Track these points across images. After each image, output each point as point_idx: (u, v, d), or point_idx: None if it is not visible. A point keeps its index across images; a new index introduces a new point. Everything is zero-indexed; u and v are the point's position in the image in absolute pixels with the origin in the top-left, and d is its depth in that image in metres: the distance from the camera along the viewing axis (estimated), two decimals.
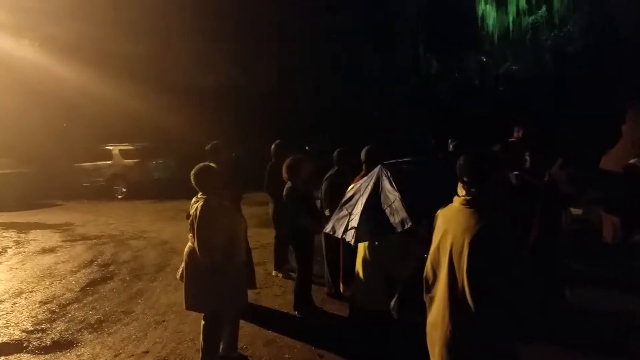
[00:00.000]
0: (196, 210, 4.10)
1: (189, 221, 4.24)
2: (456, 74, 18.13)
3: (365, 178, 3.43)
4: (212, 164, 4.65)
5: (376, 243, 3.28)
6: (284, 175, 5.63)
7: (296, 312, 5.73)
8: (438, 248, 2.71)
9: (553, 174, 6.36)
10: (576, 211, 8.17)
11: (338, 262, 4.83)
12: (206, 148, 6.27)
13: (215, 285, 4.15)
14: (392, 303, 3.06)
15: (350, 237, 3.15)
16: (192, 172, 4.24)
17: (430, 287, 2.77)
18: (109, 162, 16.80)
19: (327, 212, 5.67)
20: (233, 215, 4.37)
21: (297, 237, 5.65)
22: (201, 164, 4.35)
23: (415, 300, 2.91)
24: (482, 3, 17.59)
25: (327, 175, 5.98)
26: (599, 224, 7.51)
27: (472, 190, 2.62)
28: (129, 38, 18.18)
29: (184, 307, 4.48)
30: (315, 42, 18.18)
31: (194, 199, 4.30)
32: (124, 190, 16.61)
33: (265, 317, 5.67)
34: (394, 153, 4.67)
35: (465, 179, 2.66)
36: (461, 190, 2.69)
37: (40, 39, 19.78)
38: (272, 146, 7.15)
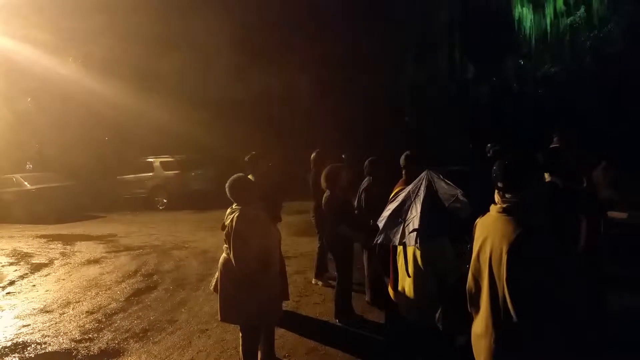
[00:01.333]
0: (231, 221, 4.10)
1: (224, 232, 4.27)
2: (494, 78, 17.86)
3: (411, 185, 3.42)
4: (249, 175, 4.67)
5: (430, 251, 3.25)
6: (323, 184, 5.65)
7: (337, 321, 5.73)
8: (478, 258, 2.65)
9: (594, 177, 6.20)
10: (621, 215, 7.92)
11: (379, 270, 4.84)
12: (245, 159, 6.31)
13: (250, 296, 4.13)
14: (437, 315, 3.03)
15: (412, 240, 3.15)
16: (227, 184, 4.25)
17: (474, 298, 2.71)
18: (151, 174, 17.27)
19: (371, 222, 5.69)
20: (268, 227, 4.35)
21: (336, 246, 5.67)
22: (236, 175, 4.35)
23: (460, 312, 2.87)
24: (519, 6, 17.30)
25: (363, 187, 5.97)
26: None
27: (507, 196, 2.54)
28: (165, 54, 18.62)
29: None
30: (353, 49, 18.25)
31: (229, 210, 4.31)
32: (165, 201, 17.00)
33: (306, 326, 5.71)
34: (431, 159, 4.65)
35: (499, 184, 2.58)
36: (497, 197, 2.62)
37: (80, 56, 20.51)
38: (312, 155, 7.18)
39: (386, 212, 3.49)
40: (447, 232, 3.17)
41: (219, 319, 4.46)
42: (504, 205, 2.53)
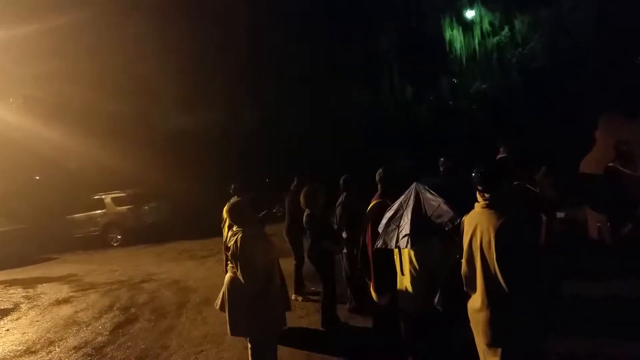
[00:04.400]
0: (236, 242, 4.49)
1: (229, 252, 4.64)
2: (431, 97, 18.99)
3: (402, 196, 3.96)
4: (241, 199, 5.01)
5: (422, 249, 3.80)
6: (302, 203, 6.12)
7: (324, 329, 6.14)
8: (470, 246, 3.29)
9: (538, 181, 7.02)
10: (560, 214, 8.80)
11: (359, 279, 5.35)
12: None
13: (258, 309, 4.49)
14: (436, 299, 3.57)
15: (404, 243, 3.68)
16: (226, 208, 4.72)
17: (469, 280, 3.33)
18: (102, 210, 17.04)
19: (344, 235, 6.19)
20: (268, 244, 4.75)
21: (319, 259, 6.12)
22: (233, 200, 4.82)
23: (455, 295, 3.47)
24: (449, 29, 18.60)
25: (339, 202, 6.52)
26: (584, 224, 8.17)
27: (486, 195, 3.24)
28: (108, 94, 18.66)
29: (218, 336, 4.85)
30: (296, 80, 18.94)
31: (230, 232, 4.74)
32: (119, 237, 16.80)
33: (296, 338, 6.01)
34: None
35: (480, 187, 3.28)
36: (479, 197, 3.31)
37: (20, 99, 20.17)
38: (295, 179, 7.70)
39: (383, 220, 4.01)
40: (433, 235, 3.70)
41: (229, 334, 4.75)
42: (486, 202, 3.23)
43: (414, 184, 3.93)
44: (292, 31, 18.87)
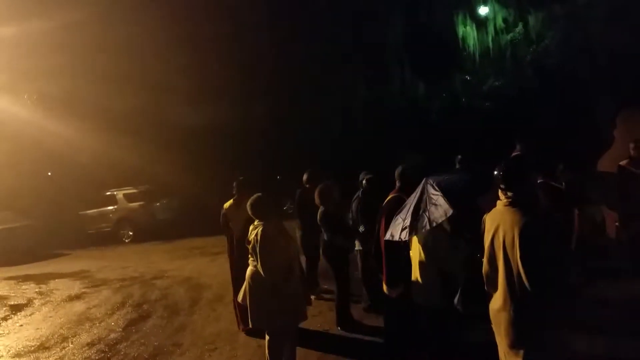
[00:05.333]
0: (256, 235, 4.58)
1: (249, 246, 4.70)
2: (444, 94, 18.84)
3: (414, 193, 4.06)
4: (263, 194, 4.92)
5: (430, 243, 3.89)
6: (317, 200, 6.06)
7: (339, 328, 6.08)
8: (492, 245, 3.21)
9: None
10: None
11: (375, 275, 5.31)
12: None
13: (278, 302, 4.56)
14: (456, 299, 3.52)
15: (405, 235, 3.81)
16: (248, 203, 4.74)
17: (490, 279, 3.25)
18: (114, 207, 17.13)
19: (361, 229, 6.15)
20: (288, 238, 4.82)
21: (333, 256, 6.06)
22: (255, 195, 4.81)
23: (475, 295, 3.42)
24: (462, 25, 18.43)
25: (355, 197, 6.48)
26: (602, 222, 8.06)
27: (509, 194, 3.14)
28: (122, 91, 18.69)
29: (231, 334, 4.86)
30: (307, 77, 18.87)
31: (251, 227, 4.78)
32: (130, 233, 16.87)
33: (310, 338, 5.93)
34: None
35: (502, 186, 3.19)
36: (502, 195, 3.21)
37: (34, 94, 20.27)
38: (304, 175, 7.58)
39: (396, 215, 4.12)
40: (431, 225, 3.73)
41: (250, 326, 4.85)
42: (509, 200, 3.13)
43: (424, 179, 4.02)
44: (303, 27, 18.79)
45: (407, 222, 3.85)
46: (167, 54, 18.89)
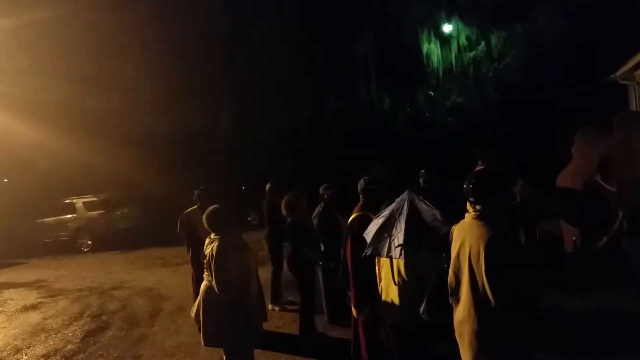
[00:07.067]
0: (212, 250, 4.39)
1: (205, 261, 4.52)
2: (408, 108, 19.14)
3: (394, 204, 3.92)
4: (220, 206, 4.81)
5: (413, 260, 3.76)
6: (283, 211, 6.06)
7: (301, 337, 6.08)
8: (458, 257, 3.25)
9: (515, 194, 7.14)
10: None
11: (336, 292, 5.34)
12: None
13: (233, 319, 4.37)
14: (422, 308, 3.55)
15: (397, 254, 3.66)
16: (204, 216, 4.54)
17: (455, 290, 3.29)
18: (73, 215, 16.65)
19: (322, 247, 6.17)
20: (245, 252, 4.62)
21: (298, 267, 6.06)
22: (211, 207, 4.62)
23: (440, 304, 3.46)
24: (426, 42, 18.83)
25: (315, 213, 6.50)
26: (560, 237, 8.29)
27: (477, 207, 3.19)
28: (86, 93, 18.29)
29: (192, 346, 4.74)
30: (273, 86, 18.88)
31: (207, 240, 4.60)
32: (89, 243, 16.40)
33: (274, 347, 5.87)
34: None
35: (470, 199, 3.23)
36: (470, 208, 3.26)
37: None
38: (267, 185, 7.53)
39: (373, 227, 3.94)
40: (427, 245, 3.71)
41: (202, 344, 4.61)
42: (477, 214, 3.18)
43: (406, 192, 3.91)
44: (269, 36, 18.82)
45: (399, 239, 3.67)
46: (132, 58, 18.58)
